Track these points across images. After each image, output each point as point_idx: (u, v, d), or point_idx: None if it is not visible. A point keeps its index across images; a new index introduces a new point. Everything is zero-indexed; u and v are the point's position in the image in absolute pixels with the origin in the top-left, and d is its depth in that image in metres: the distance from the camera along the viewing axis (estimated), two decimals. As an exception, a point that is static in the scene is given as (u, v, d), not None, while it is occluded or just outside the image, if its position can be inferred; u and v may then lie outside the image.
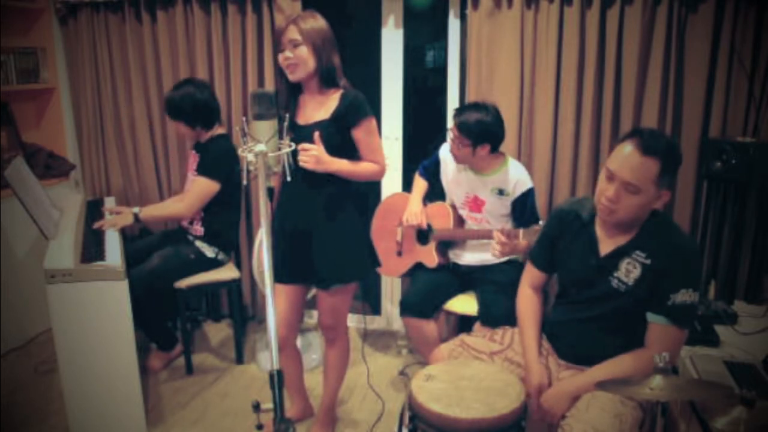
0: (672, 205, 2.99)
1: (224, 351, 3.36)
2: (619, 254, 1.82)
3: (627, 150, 1.69)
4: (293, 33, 2.05)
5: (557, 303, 2.05)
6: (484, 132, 2.51)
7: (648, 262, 1.77)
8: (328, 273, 2.24)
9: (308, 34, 2.06)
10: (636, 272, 1.79)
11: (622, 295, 1.81)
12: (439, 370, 1.85)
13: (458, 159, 2.64)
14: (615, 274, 1.82)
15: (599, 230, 1.88)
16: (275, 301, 2.26)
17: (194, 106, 2.91)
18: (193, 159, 3.07)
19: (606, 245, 1.85)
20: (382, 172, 2.23)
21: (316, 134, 2.06)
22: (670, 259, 1.74)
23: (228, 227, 3.12)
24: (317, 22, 2.10)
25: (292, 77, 2.11)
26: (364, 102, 2.14)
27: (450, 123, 3.21)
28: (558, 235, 1.98)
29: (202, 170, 2.94)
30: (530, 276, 2.08)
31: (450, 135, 2.61)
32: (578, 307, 1.93)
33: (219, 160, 2.95)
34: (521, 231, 2.41)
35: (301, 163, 2.04)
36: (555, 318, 2.03)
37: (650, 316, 1.77)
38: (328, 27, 2.13)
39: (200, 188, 2.92)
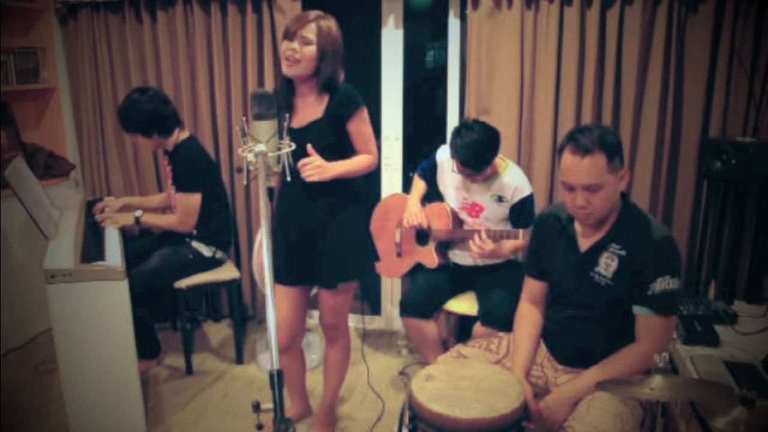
0: (672, 205, 2.99)
1: (224, 351, 3.36)
2: (597, 249, 1.85)
3: (570, 159, 1.74)
4: (310, 32, 2.03)
5: (549, 306, 2.05)
6: (483, 156, 2.51)
7: (623, 253, 1.80)
8: (332, 271, 2.23)
9: (323, 39, 2.04)
10: (614, 265, 1.81)
11: (603, 289, 1.83)
12: (439, 370, 1.85)
13: (472, 181, 2.64)
14: (595, 269, 1.85)
15: (577, 228, 1.92)
16: (279, 304, 2.29)
17: (143, 115, 2.84)
18: (166, 165, 3.05)
19: (585, 242, 1.89)
20: (375, 162, 2.23)
21: (309, 146, 2.05)
22: (642, 249, 1.77)
23: (220, 225, 3.12)
24: (333, 30, 2.08)
25: (287, 71, 2.08)
26: (354, 93, 2.13)
27: (449, 128, 3.24)
28: (542, 240, 2.01)
29: (178, 185, 2.93)
30: (528, 289, 2.09)
31: (455, 167, 2.61)
32: (568, 307, 1.95)
33: (189, 169, 2.92)
34: (521, 232, 2.45)
35: (306, 180, 2.03)
36: (548, 320, 2.04)
37: (635, 309, 1.79)
38: (341, 37, 2.11)
39: (184, 203, 2.92)
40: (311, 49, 2.04)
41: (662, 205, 2.98)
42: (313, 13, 2.08)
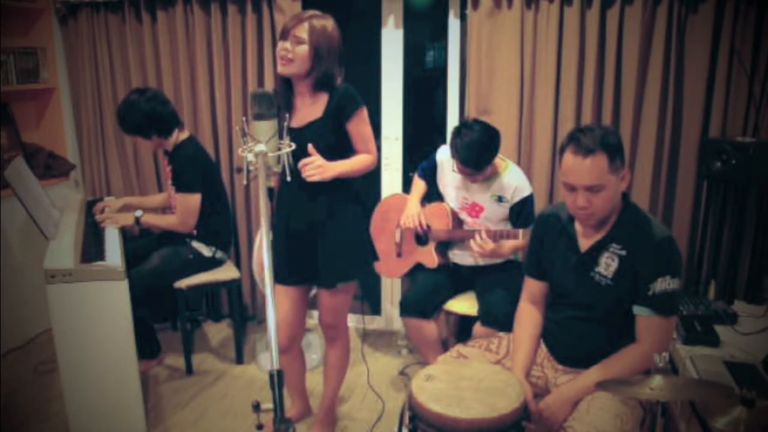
0: (672, 205, 2.99)
1: (224, 351, 3.36)
2: (597, 249, 1.85)
3: (571, 160, 1.73)
4: (302, 31, 2.03)
5: (549, 306, 2.05)
6: (482, 155, 2.51)
7: (624, 253, 1.80)
8: (331, 271, 2.23)
9: (316, 38, 2.04)
10: (614, 265, 1.81)
11: (604, 289, 1.83)
12: (439, 370, 1.85)
13: (472, 181, 2.64)
14: (596, 269, 1.84)
15: (578, 228, 1.91)
16: (278, 304, 2.29)
17: (142, 116, 2.83)
18: (165, 165, 3.05)
19: (585, 241, 1.89)
20: (375, 162, 2.23)
21: (310, 146, 2.05)
22: (643, 249, 1.77)
23: (220, 225, 3.12)
24: (329, 28, 2.07)
25: (281, 70, 2.08)
26: (354, 93, 2.13)
27: (449, 128, 3.24)
28: (542, 239, 2.01)
29: (178, 186, 2.93)
30: (527, 288, 2.08)
31: (455, 167, 2.62)
32: (568, 307, 1.95)
33: (188, 170, 2.92)
34: (521, 231, 2.46)
35: (308, 179, 2.03)
36: (548, 320, 2.04)
37: (635, 309, 1.79)
38: (338, 35, 2.11)
39: (184, 204, 2.92)
40: (303, 49, 2.04)
41: (662, 205, 2.98)
42: (308, 13, 2.08)
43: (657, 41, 2.81)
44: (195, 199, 2.93)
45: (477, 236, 2.51)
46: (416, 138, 3.72)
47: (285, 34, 2.06)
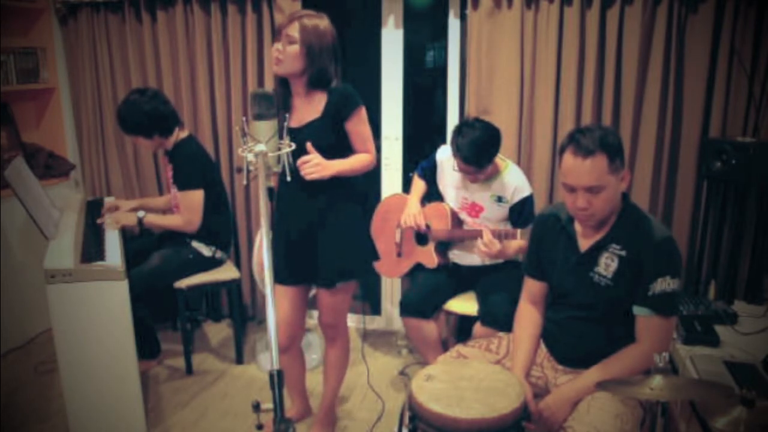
0: (672, 205, 2.99)
1: (224, 351, 3.36)
2: (597, 249, 1.85)
3: (571, 160, 1.73)
4: (293, 30, 2.04)
5: (549, 306, 2.05)
6: (484, 153, 2.51)
7: (623, 253, 1.80)
8: (331, 271, 2.24)
9: (307, 36, 2.04)
10: (614, 265, 1.81)
11: (603, 289, 1.83)
12: (439, 370, 1.85)
13: (473, 180, 2.63)
14: (595, 270, 1.85)
15: (577, 228, 1.91)
16: (278, 304, 2.29)
17: (144, 116, 2.83)
18: (166, 166, 3.05)
19: (585, 242, 1.89)
20: (374, 161, 2.23)
21: (309, 144, 2.05)
22: (643, 249, 1.77)
23: (220, 225, 3.12)
24: (321, 26, 2.07)
25: (274, 69, 2.09)
26: (353, 92, 2.13)
27: (450, 128, 3.24)
28: (541, 240, 2.01)
29: (180, 184, 2.93)
30: (527, 289, 2.08)
31: (456, 166, 2.61)
32: (567, 307, 1.95)
33: (189, 167, 2.92)
34: (519, 231, 2.45)
35: (307, 178, 2.04)
36: (548, 320, 2.04)
37: (635, 309, 1.79)
38: (332, 34, 2.10)
39: (187, 201, 2.92)
40: (294, 48, 2.04)
41: (662, 205, 2.98)
42: (300, 12, 2.09)
43: (657, 41, 2.81)
44: (198, 195, 2.92)
45: (484, 236, 2.49)
46: (416, 138, 3.72)
47: (277, 34, 2.07)
